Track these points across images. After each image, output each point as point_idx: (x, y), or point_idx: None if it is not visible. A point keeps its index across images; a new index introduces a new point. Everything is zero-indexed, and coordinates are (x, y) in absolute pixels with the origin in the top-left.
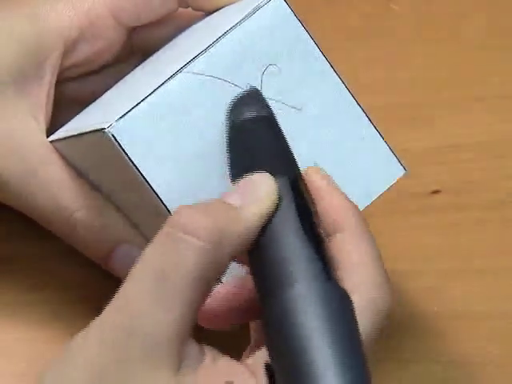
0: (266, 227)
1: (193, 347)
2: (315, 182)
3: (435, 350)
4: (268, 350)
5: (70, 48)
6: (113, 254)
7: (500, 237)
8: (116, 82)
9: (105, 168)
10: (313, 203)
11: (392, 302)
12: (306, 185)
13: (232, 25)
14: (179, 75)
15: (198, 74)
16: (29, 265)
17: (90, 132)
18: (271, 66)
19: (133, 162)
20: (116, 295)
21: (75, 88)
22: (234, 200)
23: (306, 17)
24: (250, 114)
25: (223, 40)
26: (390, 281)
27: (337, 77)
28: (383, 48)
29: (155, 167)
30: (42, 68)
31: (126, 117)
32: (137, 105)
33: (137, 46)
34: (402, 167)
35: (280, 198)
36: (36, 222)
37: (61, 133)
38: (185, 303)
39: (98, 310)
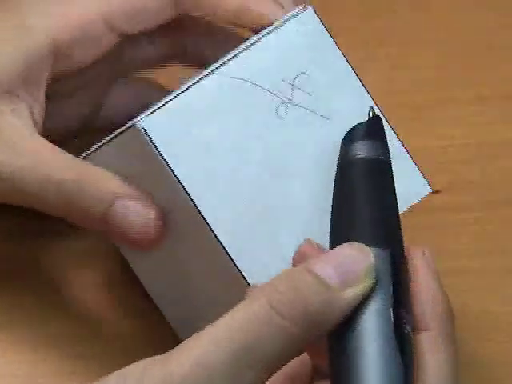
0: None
1: None
2: (414, 261)
3: None
4: None
5: (61, 57)
6: (110, 212)
7: (500, 237)
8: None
9: (139, 172)
10: (408, 284)
11: None
12: (406, 261)
13: (264, 32)
14: (212, 76)
15: (230, 77)
16: (28, 265)
17: (122, 132)
18: (301, 75)
19: (163, 157)
20: (187, 348)
21: (73, 84)
22: (329, 277)
23: None
24: (364, 152)
25: (256, 45)
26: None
27: (363, 88)
28: (383, 48)
29: (185, 164)
30: (31, 77)
31: (156, 112)
32: (168, 101)
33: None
34: (428, 186)
35: (377, 277)
36: (34, 221)
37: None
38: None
39: (97, 310)
